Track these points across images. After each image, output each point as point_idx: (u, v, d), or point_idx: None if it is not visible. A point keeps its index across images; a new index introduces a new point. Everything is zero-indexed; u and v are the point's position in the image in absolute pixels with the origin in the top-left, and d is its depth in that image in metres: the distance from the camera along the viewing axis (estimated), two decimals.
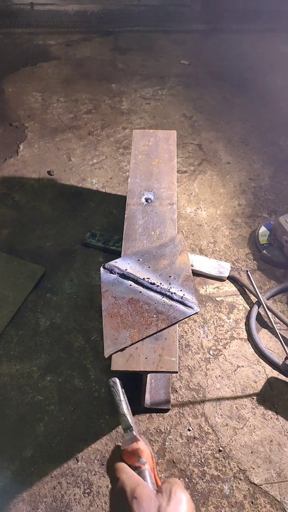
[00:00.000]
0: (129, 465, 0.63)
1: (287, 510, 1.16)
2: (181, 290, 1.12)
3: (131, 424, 0.70)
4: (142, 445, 0.66)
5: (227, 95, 2.62)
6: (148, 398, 1.31)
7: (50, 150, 2.23)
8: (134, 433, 0.68)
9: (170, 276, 1.15)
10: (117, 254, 1.35)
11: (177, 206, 1.39)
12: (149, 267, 1.18)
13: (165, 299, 1.10)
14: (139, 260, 1.19)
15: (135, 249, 1.24)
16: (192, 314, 1.09)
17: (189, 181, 2.07)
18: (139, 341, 1.03)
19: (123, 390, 0.76)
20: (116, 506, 0.58)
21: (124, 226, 1.31)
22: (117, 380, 0.78)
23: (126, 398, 0.75)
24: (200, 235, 1.83)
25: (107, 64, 2.89)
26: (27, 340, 1.48)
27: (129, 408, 0.73)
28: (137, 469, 0.63)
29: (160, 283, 1.13)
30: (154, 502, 0.56)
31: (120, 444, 0.67)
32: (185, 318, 1.08)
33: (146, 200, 1.40)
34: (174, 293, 1.11)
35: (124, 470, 0.61)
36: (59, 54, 2.98)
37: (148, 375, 1.23)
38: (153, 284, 1.13)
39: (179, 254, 1.20)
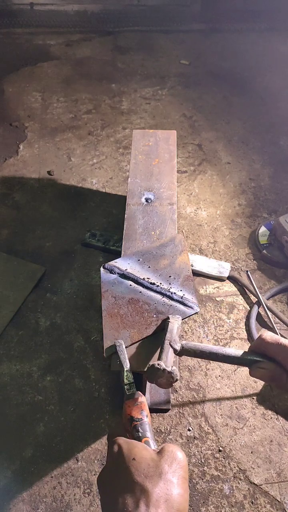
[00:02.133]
0: (132, 417, 0.67)
1: (287, 510, 1.16)
2: (181, 290, 1.12)
3: (133, 380, 0.78)
4: (144, 400, 0.71)
5: (227, 94, 2.63)
6: (148, 398, 1.31)
7: (50, 150, 2.23)
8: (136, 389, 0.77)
9: (170, 276, 1.15)
10: (117, 254, 1.35)
11: (177, 206, 1.39)
12: (149, 267, 1.18)
13: (165, 299, 1.10)
14: (139, 260, 1.19)
15: (135, 249, 1.24)
16: (192, 314, 1.08)
17: (189, 181, 2.07)
18: (139, 341, 1.03)
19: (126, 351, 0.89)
20: (113, 467, 0.57)
21: (124, 226, 1.31)
22: (122, 341, 0.90)
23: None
24: (200, 235, 1.83)
25: (107, 64, 2.89)
26: (27, 340, 1.48)
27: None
28: (140, 420, 0.67)
29: (160, 283, 1.13)
30: (153, 463, 0.55)
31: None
32: (185, 318, 1.08)
33: (146, 200, 1.40)
34: (174, 293, 1.11)
35: (122, 437, 0.62)
36: (59, 54, 2.98)
37: None
38: (153, 284, 1.13)
39: (179, 254, 1.20)
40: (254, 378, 1.38)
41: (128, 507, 0.51)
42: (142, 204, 1.39)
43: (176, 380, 0.78)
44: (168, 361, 0.79)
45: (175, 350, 0.81)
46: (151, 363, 0.80)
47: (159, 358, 0.81)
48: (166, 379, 0.78)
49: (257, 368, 0.71)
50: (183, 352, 0.81)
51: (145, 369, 0.81)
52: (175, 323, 0.87)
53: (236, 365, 1.42)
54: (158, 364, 0.78)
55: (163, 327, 1.00)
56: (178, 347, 0.81)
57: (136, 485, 0.53)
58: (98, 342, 1.47)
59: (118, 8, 3.32)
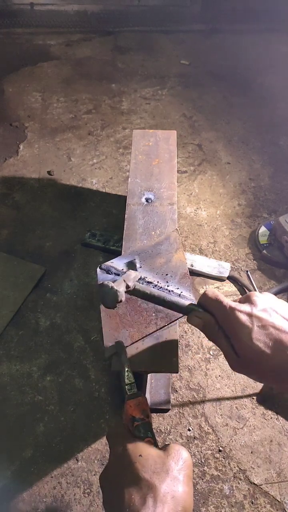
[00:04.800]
0: (134, 417, 0.67)
1: (287, 510, 1.16)
2: (178, 288, 1.12)
3: (134, 380, 0.78)
4: (145, 400, 0.71)
5: (227, 94, 2.63)
6: (148, 398, 1.30)
7: (50, 150, 2.23)
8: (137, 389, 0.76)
9: (167, 274, 1.15)
10: (117, 254, 1.35)
11: (177, 206, 1.39)
12: (145, 265, 1.18)
13: None
14: (134, 259, 1.19)
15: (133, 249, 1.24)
16: None
17: (189, 181, 2.07)
18: (139, 340, 1.03)
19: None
20: (118, 464, 0.57)
21: (124, 226, 1.31)
22: (122, 341, 0.92)
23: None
24: (200, 235, 1.83)
25: (107, 64, 2.89)
26: (27, 340, 1.48)
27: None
28: (141, 421, 0.66)
29: (158, 282, 1.13)
30: (160, 459, 0.56)
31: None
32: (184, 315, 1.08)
33: (146, 200, 1.40)
34: (172, 291, 1.11)
35: (126, 436, 0.62)
36: (59, 54, 2.98)
37: (148, 375, 1.23)
38: (150, 283, 1.13)
39: (175, 251, 1.20)
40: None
41: (135, 502, 0.51)
42: (142, 204, 1.39)
43: (121, 301, 0.84)
44: (118, 285, 0.86)
45: (127, 286, 0.88)
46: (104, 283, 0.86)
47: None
48: (112, 297, 0.84)
49: (193, 316, 0.79)
50: (134, 291, 0.88)
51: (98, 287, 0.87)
52: (134, 272, 0.93)
53: None
54: (108, 283, 0.85)
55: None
56: (131, 284, 0.88)
57: (143, 481, 0.53)
58: (98, 342, 1.47)
59: (118, 8, 3.32)
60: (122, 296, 0.84)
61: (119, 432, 0.65)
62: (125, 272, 1.11)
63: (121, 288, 0.85)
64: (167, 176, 1.49)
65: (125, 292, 0.87)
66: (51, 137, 2.30)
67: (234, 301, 0.76)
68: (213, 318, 0.76)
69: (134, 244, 1.26)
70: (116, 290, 0.83)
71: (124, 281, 0.89)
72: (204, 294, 0.79)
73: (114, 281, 0.87)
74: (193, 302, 0.86)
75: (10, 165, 2.14)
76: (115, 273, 1.17)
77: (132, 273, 0.93)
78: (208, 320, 0.76)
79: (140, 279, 1.15)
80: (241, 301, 0.76)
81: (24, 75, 2.76)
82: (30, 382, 1.38)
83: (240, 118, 2.45)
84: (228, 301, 0.74)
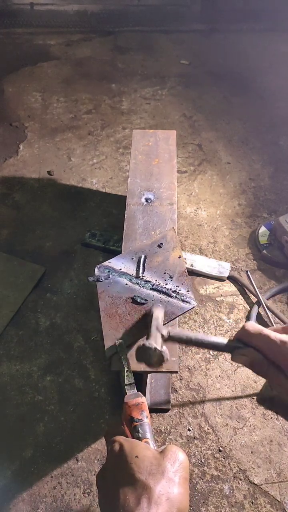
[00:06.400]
0: (132, 417, 0.68)
1: (287, 510, 1.15)
2: (177, 286, 1.12)
3: (134, 381, 0.79)
4: (145, 400, 0.72)
5: (227, 94, 2.62)
6: (148, 398, 1.31)
7: (50, 150, 2.23)
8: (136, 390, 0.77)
9: (165, 273, 1.15)
10: (117, 254, 1.35)
11: (177, 206, 1.39)
12: (143, 265, 1.18)
13: (162, 296, 1.10)
14: (132, 259, 1.19)
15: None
16: (190, 309, 1.09)
17: (189, 181, 2.07)
18: (139, 339, 1.03)
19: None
20: (114, 465, 0.57)
21: (124, 226, 1.31)
22: (123, 341, 0.91)
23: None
24: (200, 235, 1.83)
25: (107, 64, 2.89)
26: (27, 340, 1.48)
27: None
28: (140, 421, 0.67)
29: (156, 280, 1.13)
30: (156, 461, 0.56)
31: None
32: (183, 313, 1.08)
33: (146, 200, 1.40)
34: (170, 289, 1.11)
35: (123, 436, 0.62)
36: (59, 54, 2.98)
37: (148, 375, 1.23)
38: (149, 281, 1.13)
39: (172, 250, 1.20)
40: (254, 378, 1.39)
41: (130, 503, 0.51)
42: (142, 204, 1.39)
43: (167, 360, 0.80)
44: (157, 342, 0.81)
45: (162, 336, 0.83)
46: (141, 342, 0.81)
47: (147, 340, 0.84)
48: (157, 358, 0.79)
49: (239, 355, 0.75)
50: (170, 338, 0.83)
51: (136, 350, 0.83)
52: (160, 312, 0.89)
53: (235, 365, 1.42)
54: (149, 343, 0.80)
55: (146, 317, 1.00)
56: (165, 333, 0.83)
57: (138, 482, 0.53)
58: (98, 342, 1.47)
59: (118, 8, 3.32)
60: (167, 355, 0.81)
61: (117, 432, 0.65)
62: (124, 272, 1.11)
63: (163, 346, 0.81)
64: (167, 176, 1.49)
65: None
66: (51, 137, 2.30)
67: (275, 331, 0.73)
68: (260, 354, 0.72)
69: (134, 244, 1.26)
70: (161, 351, 0.80)
71: (158, 330, 0.84)
72: (244, 330, 0.74)
73: (149, 337, 0.83)
74: (229, 339, 0.81)
75: (10, 165, 2.14)
76: (113, 273, 1.17)
77: (158, 315, 0.88)
78: (255, 357, 0.72)
79: (139, 278, 1.15)
80: (285, 332, 0.72)
81: (24, 75, 2.76)
82: (30, 382, 1.38)
83: (240, 118, 2.45)
84: (276, 335, 0.70)
